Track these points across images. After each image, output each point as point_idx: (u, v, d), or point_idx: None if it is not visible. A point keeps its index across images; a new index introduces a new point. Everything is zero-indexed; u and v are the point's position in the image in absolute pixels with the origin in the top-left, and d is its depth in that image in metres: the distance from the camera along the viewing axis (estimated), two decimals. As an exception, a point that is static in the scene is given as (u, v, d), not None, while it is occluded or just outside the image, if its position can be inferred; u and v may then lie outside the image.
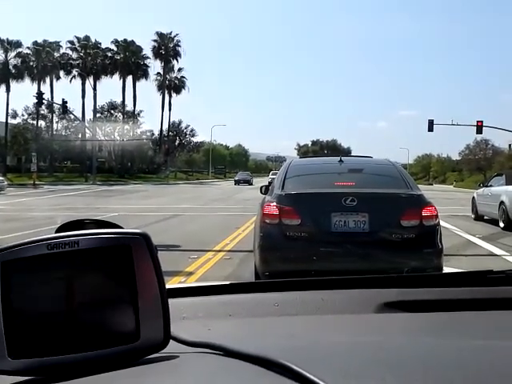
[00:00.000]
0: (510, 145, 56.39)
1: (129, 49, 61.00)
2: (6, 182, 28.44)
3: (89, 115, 59.41)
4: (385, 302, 1.05)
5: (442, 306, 1.03)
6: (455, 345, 0.76)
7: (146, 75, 62.47)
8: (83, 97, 58.25)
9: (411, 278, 1.26)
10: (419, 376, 0.58)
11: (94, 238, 0.68)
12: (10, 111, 57.10)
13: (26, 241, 0.68)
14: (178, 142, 68.52)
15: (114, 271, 0.68)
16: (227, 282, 1.24)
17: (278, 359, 0.59)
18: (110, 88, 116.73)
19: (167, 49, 62.85)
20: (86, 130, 56.42)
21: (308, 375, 0.55)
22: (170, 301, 0.70)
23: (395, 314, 1.03)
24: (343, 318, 1.03)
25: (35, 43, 57.66)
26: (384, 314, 1.03)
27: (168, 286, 0.77)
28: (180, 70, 65.20)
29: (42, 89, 50.73)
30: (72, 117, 53.59)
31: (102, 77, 60.22)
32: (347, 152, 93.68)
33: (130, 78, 61.19)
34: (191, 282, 5.40)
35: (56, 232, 0.73)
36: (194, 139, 71.43)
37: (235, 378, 0.60)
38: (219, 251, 8.26)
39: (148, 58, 62.72)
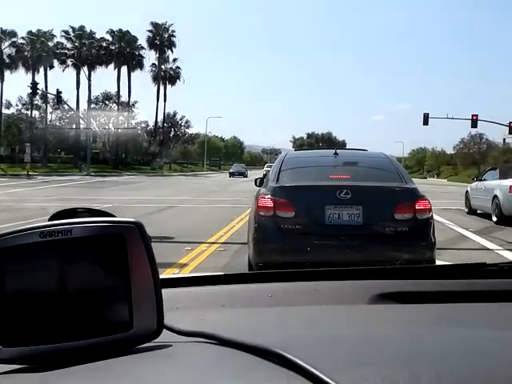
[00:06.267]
0: (504, 139, 56.57)
1: (124, 39, 60.57)
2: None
3: (83, 106, 59.20)
4: (379, 293, 1.06)
5: (435, 297, 1.04)
6: (449, 336, 0.76)
7: (140, 66, 62.18)
8: (78, 87, 58.00)
9: (405, 270, 1.27)
10: (413, 366, 0.58)
11: (86, 226, 0.68)
12: (3, 101, 56.77)
13: (18, 229, 0.68)
14: (172, 133, 68.30)
15: (107, 260, 0.67)
16: (221, 273, 1.24)
17: (272, 348, 0.59)
18: (104, 78, 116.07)
19: (162, 39, 62.48)
20: (81, 121, 56.11)
21: (302, 364, 0.55)
22: (164, 291, 0.70)
23: (389, 305, 1.03)
24: (337, 308, 1.03)
25: (30, 33, 57.17)
26: (378, 305, 1.03)
27: (162, 276, 0.76)
28: (175, 60, 64.96)
29: (36, 79, 50.32)
30: (66, 107, 53.30)
31: (97, 67, 59.87)
32: (342, 145, 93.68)
33: (124, 69, 60.91)
34: (185, 273, 5.40)
35: (49, 220, 0.72)
36: (189, 131, 71.32)
37: (229, 367, 0.60)
38: (213, 243, 8.27)
39: (143, 48, 62.42)
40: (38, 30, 57.78)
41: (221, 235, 9.19)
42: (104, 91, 61.94)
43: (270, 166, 6.90)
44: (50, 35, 58.37)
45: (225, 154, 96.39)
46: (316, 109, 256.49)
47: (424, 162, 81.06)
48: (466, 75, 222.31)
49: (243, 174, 51.11)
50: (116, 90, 61.34)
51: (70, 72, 59.54)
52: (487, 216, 12.78)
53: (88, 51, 58.70)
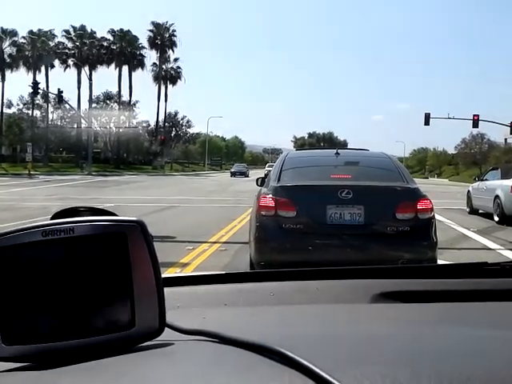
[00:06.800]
0: (505, 139, 56.50)
1: (125, 38, 60.60)
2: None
3: (84, 105, 59.22)
4: (380, 293, 1.06)
5: (437, 296, 1.04)
6: (450, 335, 0.76)
7: (142, 65, 62.22)
8: (79, 87, 58.02)
9: (407, 269, 1.27)
10: (414, 365, 0.58)
11: (89, 225, 0.68)
12: (5, 101, 56.88)
13: (20, 227, 0.68)
14: (174, 133, 68.34)
15: (109, 258, 0.67)
16: (222, 272, 1.24)
17: (274, 346, 0.59)
18: (105, 78, 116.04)
19: (163, 39, 62.49)
20: (82, 120, 56.17)
21: (304, 362, 0.55)
22: (166, 289, 0.70)
23: (390, 304, 1.03)
24: (338, 307, 1.03)
25: (30, 32, 57.23)
26: (379, 304, 1.03)
27: (163, 274, 0.77)
28: (176, 60, 64.97)
29: (37, 78, 50.30)
30: (67, 107, 53.36)
31: (98, 66, 59.93)
32: (343, 145, 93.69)
33: (125, 69, 60.94)
34: (187, 272, 5.40)
35: (51, 219, 0.73)
36: (190, 130, 71.40)
37: (231, 365, 0.60)
38: (215, 242, 8.27)
39: (144, 47, 62.44)
40: (39, 30, 57.87)
41: (222, 235, 9.19)
42: (105, 91, 62.10)
43: (272, 166, 6.90)
44: (50, 35, 58.44)
45: (226, 154, 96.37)
46: (316, 109, 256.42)
47: (425, 161, 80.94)
48: (466, 75, 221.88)
49: (244, 174, 51.09)
50: (117, 89, 61.50)
51: (71, 71, 59.70)
52: (489, 216, 12.77)
53: (89, 51, 58.72)
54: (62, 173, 41.84)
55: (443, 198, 18.48)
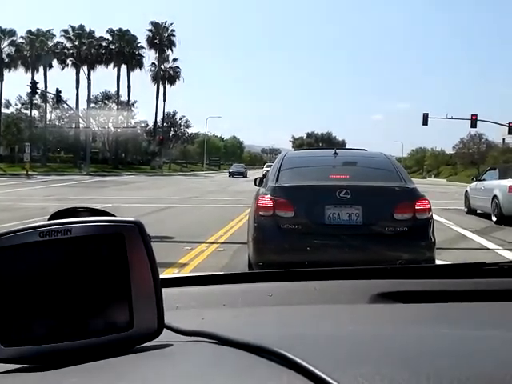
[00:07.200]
0: (503, 139, 56.63)
1: (123, 38, 60.53)
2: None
3: (83, 105, 59.16)
4: (378, 293, 1.06)
5: (435, 297, 1.04)
6: (449, 335, 0.76)
7: (140, 65, 62.17)
8: (77, 87, 57.97)
9: (405, 270, 1.27)
10: (413, 365, 0.58)
11: (86, 225, 0.68)
12: (3, 100, 56.78)
13: (17, 228, 0.67)
14: (172, 133, 68.28)
15: (106, 259, 0.67)
16: (221, 273, 1.24)
17: (272, 347, 0.59)
18: (104, 78, 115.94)
19: (162, 38, 62.45)
20: (80, 120, 56.09)
21: (302, 363, 0.55)
22: (164, 290, 0.70)
23: (389, 304, 1.03)
24: (337, 307, 1.03)
25: (29, 32, 57.16)
26: (378, 305, 1.03)
27: (162, 275, 0.76)
28: (175, 60, 64.96)
29: (35, 78, 50.23)
30: (66, 107, 53.28)
31: (97, 66, 59.85)
32: (342, 145, 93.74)
33: (124, 68, 60.87)
34: (185, 273, 5.40)
35: (49, 220, 0.72)
36: (189, 130, 71.33)
37: (230, 366, 0.60)
38: (213, 243, 8.26)
39: (143, 47, 62.40)
40: (38, 30, 57.80)
41: (220, 235, 9.18)
42: (103, 90, 62.00)
43: (270, 166, 6.91)
44: (49, 34, 58.36)
45: (224, 154, 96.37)
46: (316, 109, 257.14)
47: (423, 161, 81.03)
48: (465, 75, 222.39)
49: (243, 174, 51.05)
50: (115, 89, 61.42)
51: (70, 71, 59.70)
52: (487, 216, 12.79)
53: (87, 50, 58.65)
54: (59, 173, 41.76)
55: (441, 199, 18.50)
